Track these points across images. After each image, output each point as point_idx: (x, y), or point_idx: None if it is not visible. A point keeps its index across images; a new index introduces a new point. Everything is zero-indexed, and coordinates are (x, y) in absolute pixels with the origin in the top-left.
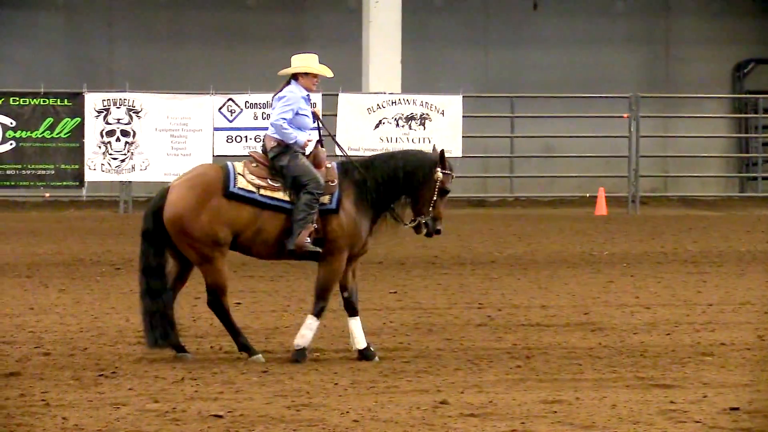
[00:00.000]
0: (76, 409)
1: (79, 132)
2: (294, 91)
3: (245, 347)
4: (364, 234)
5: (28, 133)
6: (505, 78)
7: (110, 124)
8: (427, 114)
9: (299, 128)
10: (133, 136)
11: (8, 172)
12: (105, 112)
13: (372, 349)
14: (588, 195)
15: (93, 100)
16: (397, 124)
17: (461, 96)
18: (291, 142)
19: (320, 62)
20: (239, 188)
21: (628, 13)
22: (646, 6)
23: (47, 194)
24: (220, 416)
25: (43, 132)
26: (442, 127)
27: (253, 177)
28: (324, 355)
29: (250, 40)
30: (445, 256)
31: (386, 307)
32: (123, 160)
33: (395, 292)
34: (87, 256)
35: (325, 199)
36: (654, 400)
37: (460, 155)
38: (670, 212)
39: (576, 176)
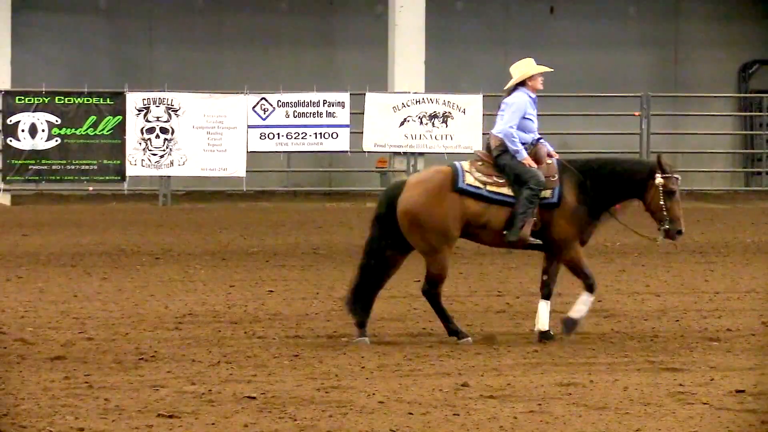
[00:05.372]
0: (118, 390)
1: (120, 129)
2: (520, 96)
3: (455, 332)
4: (588, 225)
5: (73, 131)
6: None
7: (150, 121)
8: (449, 112)
9: (524, 131)
10: (172, 133)
11: (54, 167)
12: (145, 111)
13: (551, 333)
14: None
15: (134, 99)
16: (421, 122)
17: (482, 95)
18: (513, 151)
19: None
20: (467, 184)
21: (639, 17)
22: (657, 10)
23: (90, 188)
24: (254, 398)
25: (86, 129)
26: (463, 124)
27: (480, 174)
28: (351, 339)
29: (283, 43)
30: (466, 246)
31: (410, 294)
32: (162, 156)
33: (419, 281)
34: (128, 247)
35: (547, 193)
36: (664, 383)
37: None
38: None
39: None
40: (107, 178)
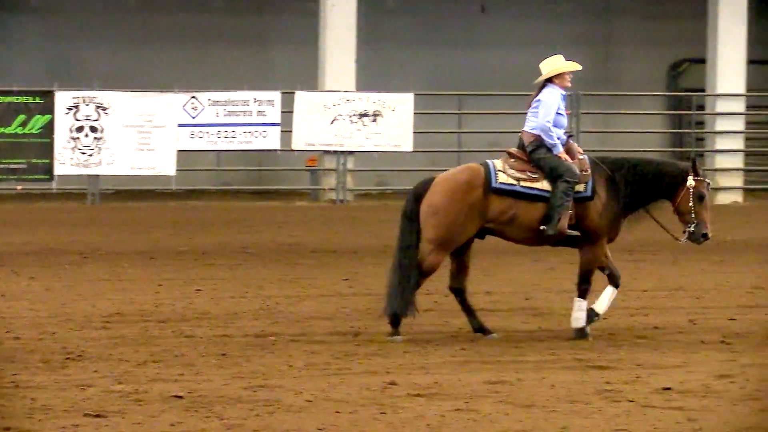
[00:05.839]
0: (45, 390)
1: (49, 128)
2: (553, 92)
3: (396, 322)
4: (618, 220)
5: (1, 129)
6: (453, 77)
7: (79, 120)
8: (379, 111)
9: (556, 126)
10: (101, 132)
11: None
12: (75, 110)
13: (596, 318)
14: None
15: (63, 98)
16: (351, 121)
17: (412, 94)
18: (550, 145)
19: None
20: (501, 183)
21: (570, 16)
22: (588, 9)
23: (19, 187)
24: (181, 397)
25: (15, 128)
26: (393, 123)
27: (513, 171)
28: (279, 338)
29: (214, 41)
30: (392, 244)
31: (339, 293)
32: (91, 155)
33: (347, 279)
34: (56, 246)
35: (581, 187)
36: (591, 381)
37: (411, 150)
38: None
39: None
40: (36, 177)
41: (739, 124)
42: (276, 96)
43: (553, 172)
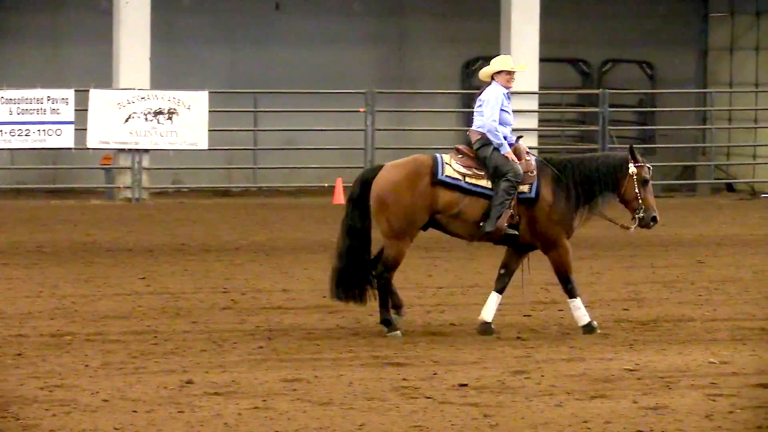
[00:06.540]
0: None
1: None
2: (494, 90)
3: (386, 321)
4: (570, 219)
5: None
6: (249, 74)
7: None
8: (174, 109)
9: (503, 123)
10: None
11: None
12: None
13: (493, 326)
14: (327, 185)
15: None
16: (146, 119)
17: (207, 92)
18: (497, 145)
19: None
20: (446, 176)
21: (364, 14)
22: (382, 7)
23: None
24: None
25: None
26: (189, 121)
27: (459, 166)
28: (75, 338)
29: (6, 38)
30: (192, 243)
31: (135, 292)
32: None
33: (144, 278)
34: None
35: (525, 188)
36: (388, 378)
37: (206, 148)
38: None
39: (316, 167)
40: None
41: (532, 122)
42: (70, 94)
43: (497, 171)
